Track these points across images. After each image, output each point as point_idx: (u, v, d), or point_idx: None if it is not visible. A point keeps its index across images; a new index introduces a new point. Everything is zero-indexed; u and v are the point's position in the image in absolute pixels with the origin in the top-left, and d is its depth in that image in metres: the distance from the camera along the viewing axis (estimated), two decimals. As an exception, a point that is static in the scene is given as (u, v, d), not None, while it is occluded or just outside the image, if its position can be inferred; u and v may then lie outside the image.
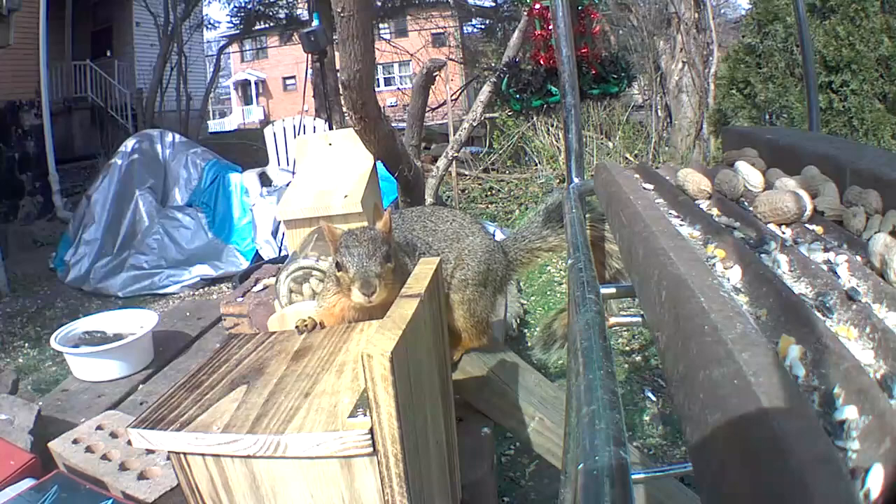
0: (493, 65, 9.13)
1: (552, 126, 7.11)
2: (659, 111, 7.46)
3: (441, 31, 14.18)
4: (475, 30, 13.03)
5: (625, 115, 7.61)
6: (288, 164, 5.49)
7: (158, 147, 5.50)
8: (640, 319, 0.76)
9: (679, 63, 7.02)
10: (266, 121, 14.99)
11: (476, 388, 1.53)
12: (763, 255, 0.54)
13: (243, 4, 12.30)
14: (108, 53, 11.36)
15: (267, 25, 13.34)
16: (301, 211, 1.84)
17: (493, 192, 7.16)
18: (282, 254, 4.18)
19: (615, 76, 3.24)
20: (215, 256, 4.94)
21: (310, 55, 4.51)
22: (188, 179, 5.40)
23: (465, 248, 1.33)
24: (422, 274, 0.97)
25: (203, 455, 0.79)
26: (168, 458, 1.01)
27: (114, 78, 10.85)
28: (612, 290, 0.80)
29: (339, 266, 1.04)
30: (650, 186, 0.85)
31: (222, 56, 14.61)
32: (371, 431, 0.72)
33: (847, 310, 0.42)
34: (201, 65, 14.59)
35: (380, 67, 15.67)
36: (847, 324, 0.41)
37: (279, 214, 1.87)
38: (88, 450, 1.29)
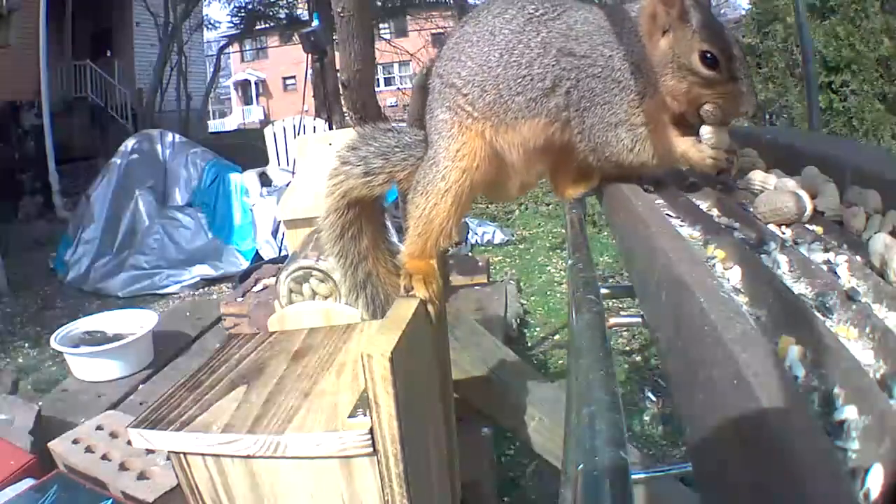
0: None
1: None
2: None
3: (441, 31, 14.17)
4: (475, 30, 13.00)
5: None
6: (288, 164, 5.48)
7: (158, 147, 5.50)
8: (640, 319, 0.76)
9: (679, 63, 7.00)
10: (266, 121, 14.98)
11: (476, 388, 1.53)
12: (763, 256, 0.54)
13: (243, 4, 12.32)
14: (108, 53, 11.34)
15: (267, 25, 13.37)
16: (301, 211, 1.84)
17: (493, 192, 7.13)
18: (282, 254, 4.17)
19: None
20: (215, 256, 4.94)
21: (310, 55, 4.51)
22: (188, 179, 5.40)
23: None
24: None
25: (203, 455, 0.79)
26: (168, 458, 1.01)
27: (114, 78, 10.84)
28: (612, 291, 0.80)
29: (710, 60, 0.73)
30: (650, 187, 0.85)
31: (222, 56, 14.63)
32: (371, 431, 0.72)
33: (847, 310, 0.42)
34: (201, 65, 14.59)
35: (380, 67, 15.66)
36: (847, 324, 0.41)
37: (279, 214, 1.87)
38: (88, 450, 1.29)
